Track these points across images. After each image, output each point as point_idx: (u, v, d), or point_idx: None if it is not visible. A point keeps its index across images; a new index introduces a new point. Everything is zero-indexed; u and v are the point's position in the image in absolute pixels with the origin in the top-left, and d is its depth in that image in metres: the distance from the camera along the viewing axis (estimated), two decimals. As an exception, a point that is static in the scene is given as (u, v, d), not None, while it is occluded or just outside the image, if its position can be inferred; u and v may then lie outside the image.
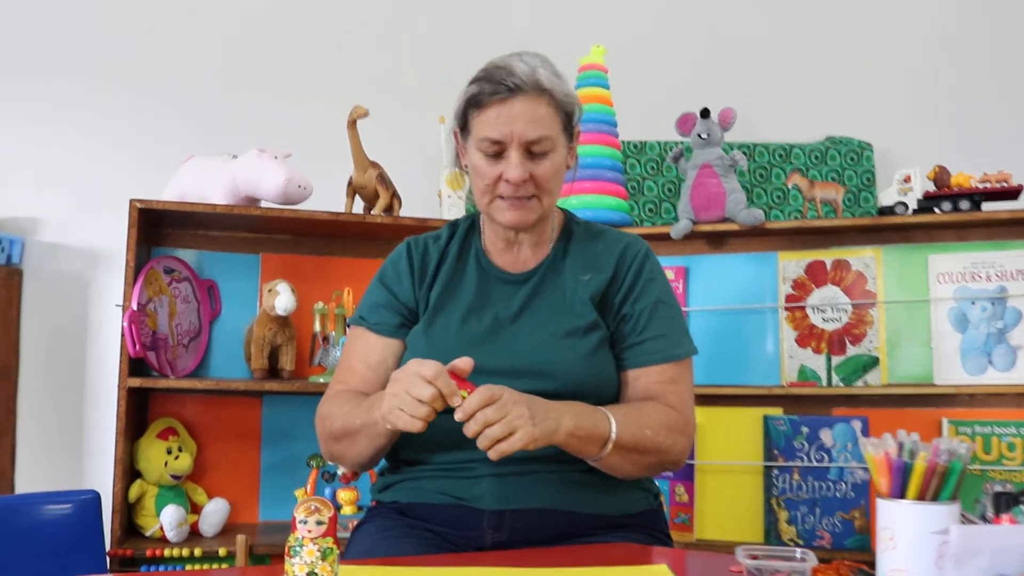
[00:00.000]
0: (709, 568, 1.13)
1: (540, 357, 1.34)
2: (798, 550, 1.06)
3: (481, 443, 1.15)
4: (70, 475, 2.54)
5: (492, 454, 1.15)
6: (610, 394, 1.38)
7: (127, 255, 2.14)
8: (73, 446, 2.51)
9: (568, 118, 1.39)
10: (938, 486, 0.92)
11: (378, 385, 1.39)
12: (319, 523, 0.91)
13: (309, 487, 2.17)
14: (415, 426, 1.16)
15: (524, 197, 1.36)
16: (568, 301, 1.40)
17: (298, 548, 0.90)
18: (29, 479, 2.51)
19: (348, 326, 1.50)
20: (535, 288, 1.42)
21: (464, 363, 1.18)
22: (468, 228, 1.50)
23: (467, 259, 1.47)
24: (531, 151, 1.33)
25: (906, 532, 0.91)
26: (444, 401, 1.16)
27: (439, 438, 1.34)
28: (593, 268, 1.42)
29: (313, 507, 0.92)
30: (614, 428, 1.26)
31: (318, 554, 0.90)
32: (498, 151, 1.34)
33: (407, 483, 1.37)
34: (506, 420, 1.15)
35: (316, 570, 0.90)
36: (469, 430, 1.15)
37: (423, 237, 1.50)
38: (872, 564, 1.08)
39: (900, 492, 0.93)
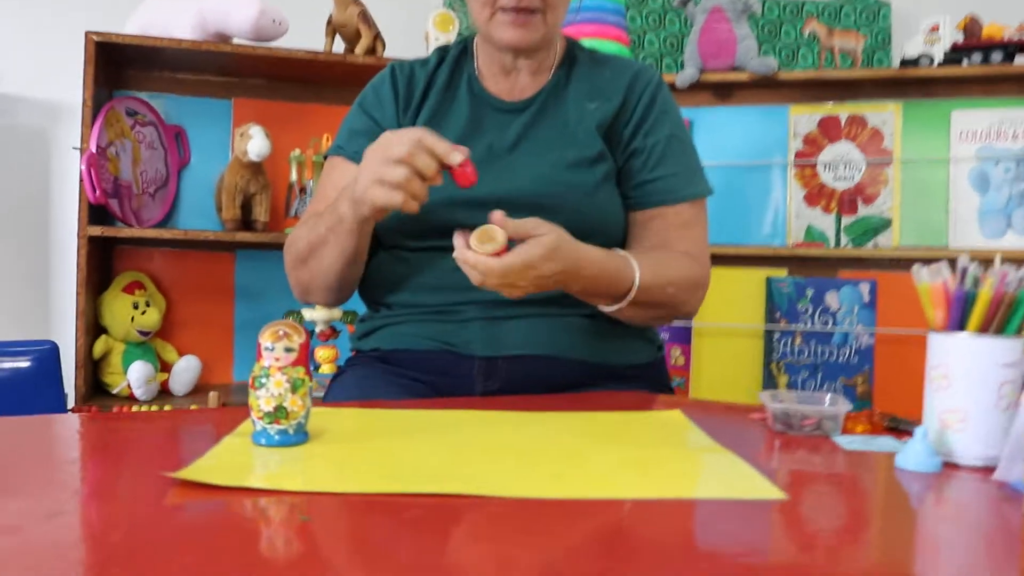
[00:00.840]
0: (726, 416, 1.02)
1: (540, 189, 1.20)
2: (828, 395, 0.95)
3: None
4: (37, 330, 2.41)
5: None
6: (617, 234, 1.25)
7: (83, 93, 1.96)
8: (40, 301, 2.37)
9: None
10: (1003, 319, 0.80)
11: None
12: (288, 350, 0.78)
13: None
14: (395, 199, 1.03)
15: (528, 10, 1.19)
16: (571, 130, 1.25)
17: (264, 379, 0.78)
18: (-7, 335, 2.38)
19: (325, 158, 1.35)
20: (534, 117, 1.26)
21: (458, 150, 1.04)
22: (460, 53, 1.34)
23: (458, 86, 1.31)
24: None
25: (964, 369, 0.79)
26: (430, 165, 1.02)
27: (424, 277, 1.22)
28: (600, 96, 1.27)
29: (281, 332, 0.79)
30: (636, 286, 1.14)
31: (287, 385, 0.78)
32: None
33: (389, 328, 1.25)
34: (503, 284, 1.04)
35: (285, 403, 0.77)
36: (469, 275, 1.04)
37: (409, 62, 1.34)
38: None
39: (958, 325, 0.81)
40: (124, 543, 0.55)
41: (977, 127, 2.01)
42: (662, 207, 1.25)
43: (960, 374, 0.80)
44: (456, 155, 1.01)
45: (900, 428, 0.95)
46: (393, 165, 1.02)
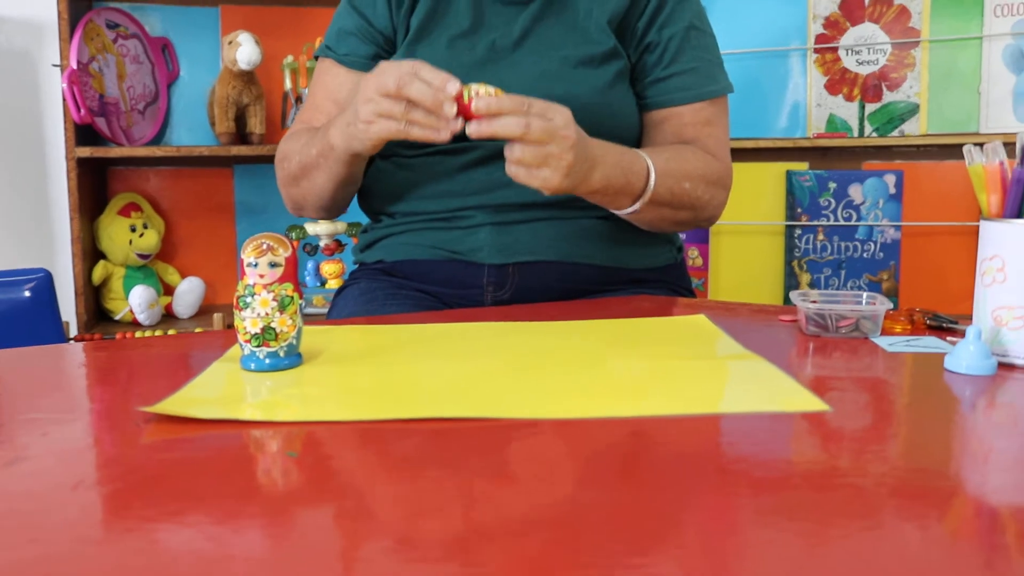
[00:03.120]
0: (753, 319, 0.95)
1: (546, 90, 1.10)
2: (864, 294, 0.88)
3: (509, 160, 0.94)
4: (38, 258, 2.34)
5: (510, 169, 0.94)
6: (630, 137, 1.16)
7: (58, 5, 1.85)
8: (39, 228, 2.30)
9: None
10: (1067, 201, 0.72)
11: None
12: (273, 265, 0.71)
13: (290, 263, 1.98)
14: (390, 127, 0.94)
15: None
16: (581, 25, 1.14)
17: (249, 298, 0.71)
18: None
19: (316, 59, 1.25)
20: (541, 10, 1.15)
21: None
22: None
23: None
24: None
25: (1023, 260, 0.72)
26: (424, 92, 0.91)
27: (428, 183, 1.14)
28: None
29: (265, 246, 0.72)
30: (652, 181, 1.05)
31: (274, 304, 0.71)
32: None
33: (392, 238, 1.18)
34: (543, 152, 0.93)
35: (273, 324, 0.71)
36: (492, 127, 0.91)
37: None
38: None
39: (1016, 211, 0.73)
40: (90, 489, 0.49)
41: (1014, 0, 1.88)
42: (678, 107, 1.15)
43: (1018, 266, 0.72)
44: (452, 84, 0.91)
45: (943, 326, 0.88)
46: (388, 100, 0.93)
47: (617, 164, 1.03)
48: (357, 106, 0.97)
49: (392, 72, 0.92)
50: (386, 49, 1.18)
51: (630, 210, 1.07)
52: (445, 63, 1.12)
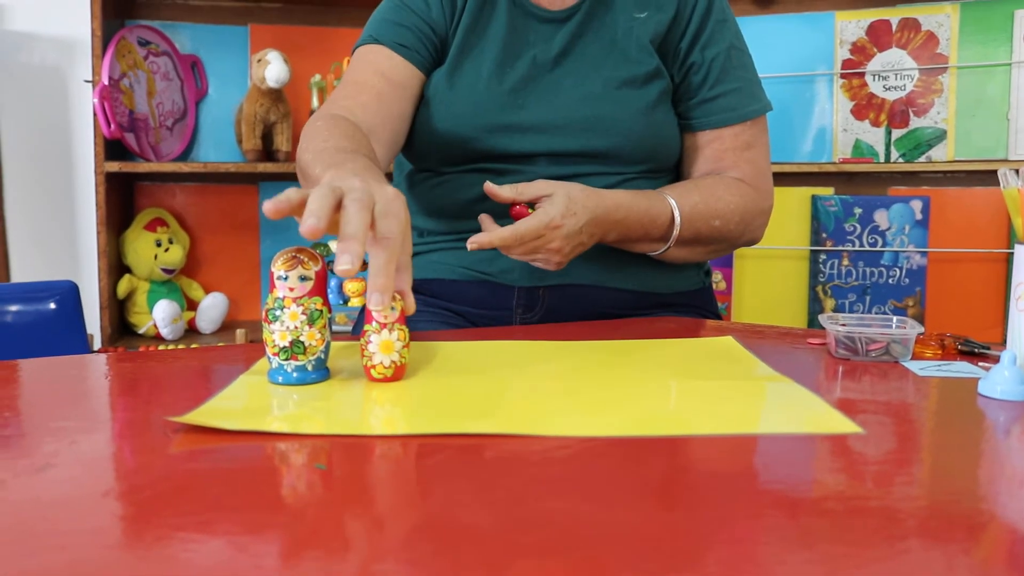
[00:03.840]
0: (781, 342, 0.94)
1: (589, 110, 1.11)
2: (895, 318, 0.87)
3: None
4: (64, 271, 2.37)
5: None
6: (671, 158, 1.16)
7: (92, 23, 1.87)
8: (66, 241, 2.33)
9: None
10: (1104, 226, 0.71)
11: (395, 108, 1.09)
12: (303, 279, 0.72)
13: (313, 280, 1.99)
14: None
15: None
16: (621, 44, 1.14)
17: (278, 311, 0.71)
18: (23, 277, 2.34)
19: (353, 51, 1.17)
20: (579, 27, 1.14)
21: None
22: None
23: None
24: None
25: (1059, 283, 0.71)
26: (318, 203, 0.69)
27: (460, 200, 1.14)
28: (650, 4, 1.15)
29: (295, 259, 0.72)
30: (676, 230, 1.07)
31: (303, 318, 0.71)
32: None
33: (421, 257, 1.18)
34: (531, 256, 1.01)
35: (301, 337, 0.71)
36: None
37: None
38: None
39: (1052, 234, 0.72)
40: (117, 498, 0.49)
41: (1043, 28, 1.87)
42: (722, 128, 1.15)
43: (1053, 289, 0.71)
44: (343, 261, 0.68)
45: (976, 351, 0.86)
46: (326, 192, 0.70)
47: (631, 213, 1.04)
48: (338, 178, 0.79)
49: (355, 190, 0.73)
50: (440, 57, 1.14)
51: (656, 253, 1.10)
52: (488, 82, 1.11)
